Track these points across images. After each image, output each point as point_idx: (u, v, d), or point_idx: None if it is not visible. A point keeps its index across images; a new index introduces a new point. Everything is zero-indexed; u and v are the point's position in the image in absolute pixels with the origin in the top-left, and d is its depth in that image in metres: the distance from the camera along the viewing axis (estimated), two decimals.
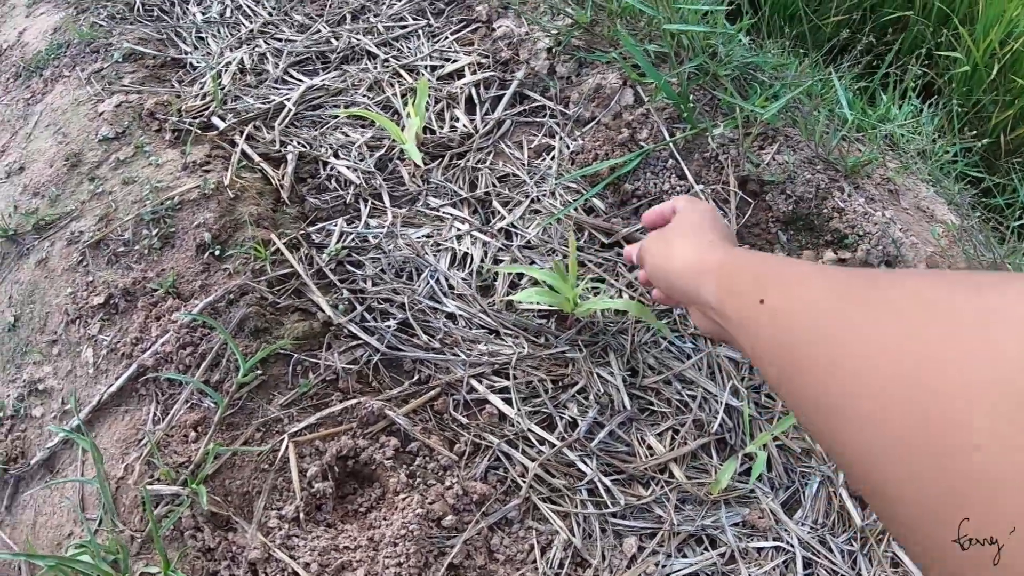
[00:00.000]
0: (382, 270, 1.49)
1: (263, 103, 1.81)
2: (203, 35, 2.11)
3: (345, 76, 1.89)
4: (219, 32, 2.12)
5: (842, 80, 2.17)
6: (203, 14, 2.21)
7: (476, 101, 1.80)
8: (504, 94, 1.79)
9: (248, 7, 2.22)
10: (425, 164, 1.67)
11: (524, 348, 1.43)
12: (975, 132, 2.70)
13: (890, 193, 1.76)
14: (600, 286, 1.54)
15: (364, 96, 1.80)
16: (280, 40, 2.06)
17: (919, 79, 2.69)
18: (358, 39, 1.97)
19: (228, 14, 2.20)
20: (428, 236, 1.59)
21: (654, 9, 1.82)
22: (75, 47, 2.11)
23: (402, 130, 1.67)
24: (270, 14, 2.18)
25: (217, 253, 1.46)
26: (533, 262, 1.57)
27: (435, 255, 1.55)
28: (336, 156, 1.69)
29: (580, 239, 1.63)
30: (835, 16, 2.98)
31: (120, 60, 1.98)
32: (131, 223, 1.53)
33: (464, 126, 1.76)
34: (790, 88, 1.77)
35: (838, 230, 1.63)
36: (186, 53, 2.04)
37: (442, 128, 1.76)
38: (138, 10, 2.24)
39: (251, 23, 2.14)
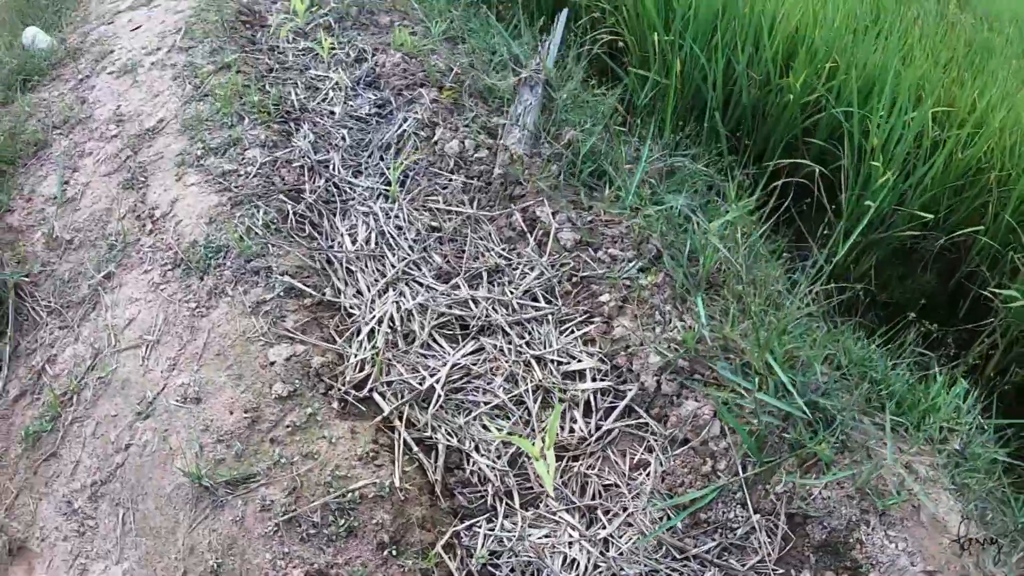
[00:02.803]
0: (512, 569, 2.05)
1: (414, 377, 2.33)
2: (352, 268, 2.60)
3: (483, 354, 2.42)
4: (367, 266, 2.61)
5: (901, 357, 2.71)
6: (350, 236, 2.70)
7: (592, 407, 2.35)
8: (617, 405, 2.35)
9: (391, 235, 2.71)
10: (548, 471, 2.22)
11: None
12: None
13: (912, 508, 2.34)
14: None
15: (501, 387, 2.34)
16: (422, 285, 2.57)
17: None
18: (494, 314, 2.50)
19: (373, 241, 2.69)
20: (547, 537, 2.15)
21: (751, 382, 2.38)
22: (234, 258, 2.57)
23: (531, 438, 2.22)
24: (411, 247, 2.68)
25: (394, 553, 1.99)
26: (622, 568, 2.14)
27: (551, 556, 2.11)
28: (477, 450, 2.23)
29: (659, 551, 2.20)
30: (907, 229, 3.52)
31: (282, 294, 2.46)
32: (319, 507, 2.04)
33: (581, 429, 2.31)
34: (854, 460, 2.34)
35: (856, 560, 2.23)
36: (339, 291, 2.53)
37: (563, 430, 2.30)
38: (291, 222, 2.71)
39: (394, 255, 2.64)
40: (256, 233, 2.66)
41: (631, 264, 2.58)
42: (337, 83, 3.33)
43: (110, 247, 2.80)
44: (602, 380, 2.39)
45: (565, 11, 3.37)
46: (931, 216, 3.36)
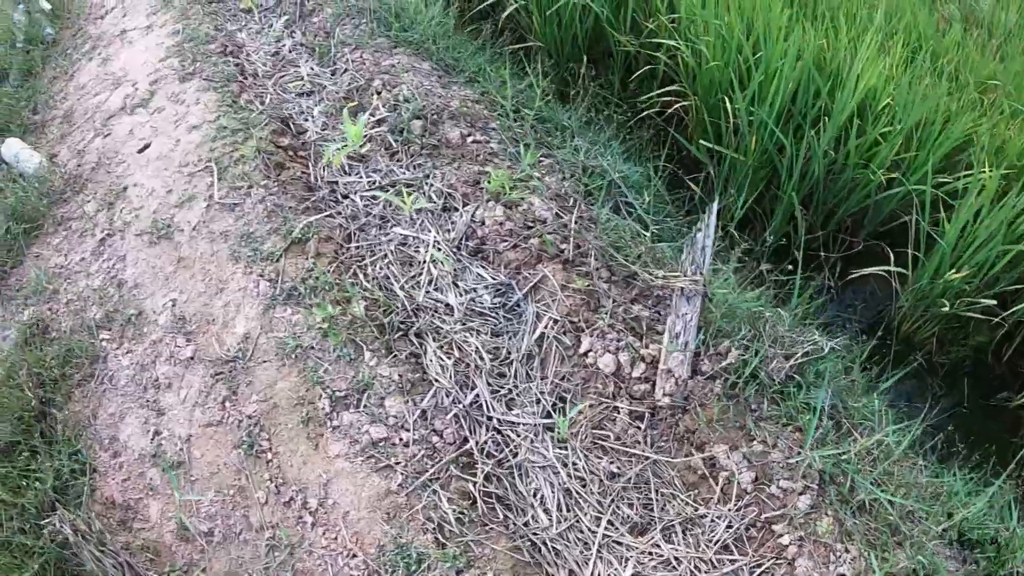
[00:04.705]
0: None
1: None
2: (558, 547, 2.67)
3: None
4: (569, 541, 2.69)
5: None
6: (541, 507, 2.70)
7: None
8: None
9: (577, 493, 2.75)
10: None
11: None
12: None
13: None
14: None
15: None
16: (621, 545, 2.72)
17: None
18: (697, 572, 2.75)
19: (564, 506, 2.72)
20: None
21: None
22: (444, 571, 2.53)
23: None
24: (599, 503, 2.76)
25: None
26: None
27: None
28: None
29: None
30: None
31: None
32: None
33: None
34: None
35: None
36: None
37: None
38: (480, 507, 2.63)
39: (587, 516, 2.73)
40: (451, 530, 2.58)
41: (802, 499, 2.87)
42: (435, 256, 2.92)
43: (270, 547, 2.59)
44: None
45: (715, 204, 3.02)
46: (995, 302, 3.70)
